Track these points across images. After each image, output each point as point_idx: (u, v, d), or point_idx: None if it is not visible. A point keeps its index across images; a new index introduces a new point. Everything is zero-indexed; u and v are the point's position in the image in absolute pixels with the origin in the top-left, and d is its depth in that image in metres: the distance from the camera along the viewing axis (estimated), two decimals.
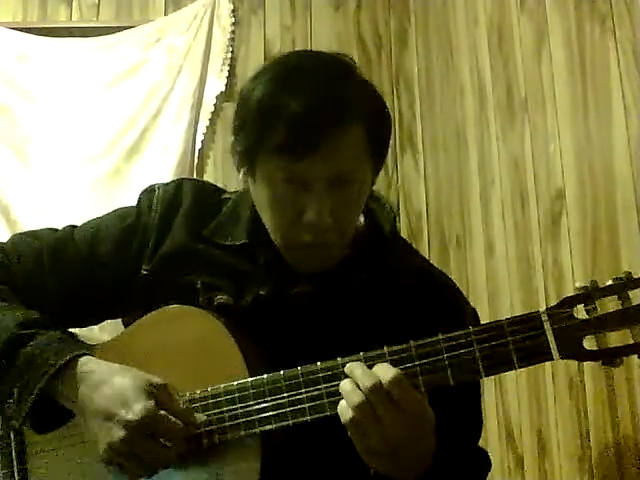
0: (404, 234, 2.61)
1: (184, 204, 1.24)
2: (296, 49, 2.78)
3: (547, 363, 1.11)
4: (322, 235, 1.11)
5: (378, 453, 1.00)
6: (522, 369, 1.00)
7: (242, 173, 1.16)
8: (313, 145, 1.05)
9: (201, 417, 1.10)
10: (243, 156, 1.12)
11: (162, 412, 1.06)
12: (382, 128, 1.14)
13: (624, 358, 0.97)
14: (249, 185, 1.16)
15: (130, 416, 1.04)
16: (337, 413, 1.01)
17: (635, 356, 0.97)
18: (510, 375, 1.85)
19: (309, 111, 1.04)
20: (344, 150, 1.07)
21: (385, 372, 0.98)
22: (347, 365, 1.01)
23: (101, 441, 1.07)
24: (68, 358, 1.11)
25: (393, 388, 0.97)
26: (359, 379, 0.99)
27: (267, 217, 1.15)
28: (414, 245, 2.46)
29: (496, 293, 2.01)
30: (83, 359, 1.12)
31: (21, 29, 2.77)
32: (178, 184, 1.27)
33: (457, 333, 1.01)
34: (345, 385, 1.00)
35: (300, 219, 1.10)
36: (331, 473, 1.14)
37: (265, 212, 1.15)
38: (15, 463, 1.23)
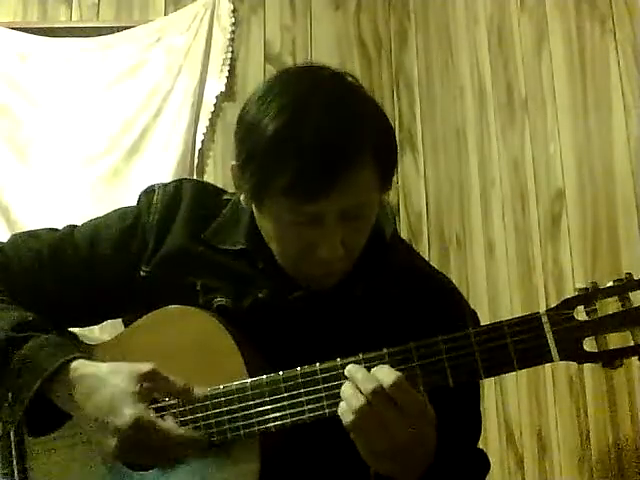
0: (404, 234, 2.61)
1: (183, 205, 1.23)
2: (298, 52, 2.80)
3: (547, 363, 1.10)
4: (333, 266, 1.11)
5: (382, 455, 1.00)
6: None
7: (244, 197, 1.13)
8: (326, 188, 1.02)
9: (202, 390, 1.09)
10: (250, 192, 1.09)
11: (152, 417, 1.06)
12: (390, 156, 1.11)
13: (624, 360, 0.97)
14: (252, 208, 1.14)
15: (119, 423, 1.04)
16: (336, 414, 1.01)
17: (635, 357, 0.97)
18: (510, 375, 1.85)
19: (321, 154, 1.01)
20: (356, 188, 1.05)
21: (386, 375, 0.98)
22: (347, 368, 1.01)
23: (98, 446, 1.08)
24: (59, 363, 1.11)
25: (394, 392, 0.97)
26: (360, 383, 0.99)
27: (274, 246, 1.13)
28: (414, 245, 2.48)
29: (496, 293, 2.01)
30: (74, 364, 1.12)
31: (21, 29, 2.77)
32: (178, 185, 1.27)
33: (457, 334, 1.01)
34: (346, 389, 1.00)
35: (311, 252, 1.08)
36: (330, 473, 1.14)
37: (272, 242, 1.13)
38: (15, 463, 1.23)
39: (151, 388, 1.08)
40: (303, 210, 1.04)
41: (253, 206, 1.13)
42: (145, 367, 1.09)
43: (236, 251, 1.19)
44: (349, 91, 1.10)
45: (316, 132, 1.02)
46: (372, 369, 1.00)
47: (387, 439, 0.98)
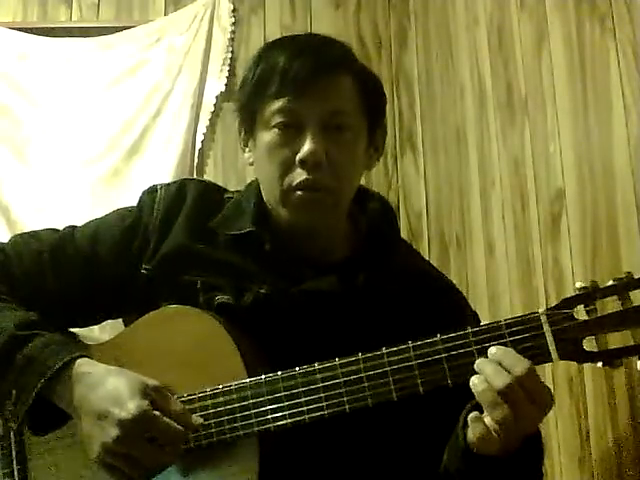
0: (404, 234, 2.61)
1: (186, 204, 1.24)
2: None
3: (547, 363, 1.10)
4: (316, 174, 1.14)
5: (499, 441, 0.99)
6: None
7: (247, 150, 1.23)
8: (305, 85, 1.14)
9: (198, 419, 1.10)
10: (244, 112, 1.21)
11: (157, 412, 1.06)
12: (372, 84, 1.24)
13: (624, 359, 0.97)
14: (252, 158, 1.22)
15: (124, 415, 1.04)
16: (334, 414, 1.00)
17: (635, 357, 0.97)
18: None
19: (301, 59, 1.15)
20: (335, 91, 1.17)
21: (516, 365, 0.97)
22: (476, 363, 0.99)
23: (95, 441, 1.07)
24: (66, 360, 1.12)
25: (526, 381, 0.96)
26: (490, 378, 0.97)
27: (265, 171, 1.19)
28: (414, 245, 2.47)
29: (496, 293, 2.01)
30: (80, 361, 1.12)
31: (21, 29, 2.77)
32: (181, 184, 1.28)
33: (455, 334, 1.01)
34: (478, 383, 0.98)
35: (294, 162, 1.14)
36: (330, 473, 1.14)
37: (264, 167, 1.18)
38: (15, 463, 1.23)
39: (153, 399, 1.08)
40: (289, 109, 1.15)
41: (250, 145, 1.22)
42: (152, 381, 1.09)
43: (242, 236, 1.20)
44: (334, 39, 1.26)
45: (297, 47, 1.19)
46: (498, 355, 0.98)
47: (518, 429, 0.97)
